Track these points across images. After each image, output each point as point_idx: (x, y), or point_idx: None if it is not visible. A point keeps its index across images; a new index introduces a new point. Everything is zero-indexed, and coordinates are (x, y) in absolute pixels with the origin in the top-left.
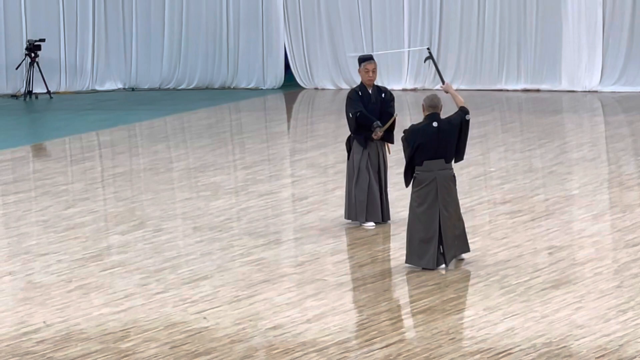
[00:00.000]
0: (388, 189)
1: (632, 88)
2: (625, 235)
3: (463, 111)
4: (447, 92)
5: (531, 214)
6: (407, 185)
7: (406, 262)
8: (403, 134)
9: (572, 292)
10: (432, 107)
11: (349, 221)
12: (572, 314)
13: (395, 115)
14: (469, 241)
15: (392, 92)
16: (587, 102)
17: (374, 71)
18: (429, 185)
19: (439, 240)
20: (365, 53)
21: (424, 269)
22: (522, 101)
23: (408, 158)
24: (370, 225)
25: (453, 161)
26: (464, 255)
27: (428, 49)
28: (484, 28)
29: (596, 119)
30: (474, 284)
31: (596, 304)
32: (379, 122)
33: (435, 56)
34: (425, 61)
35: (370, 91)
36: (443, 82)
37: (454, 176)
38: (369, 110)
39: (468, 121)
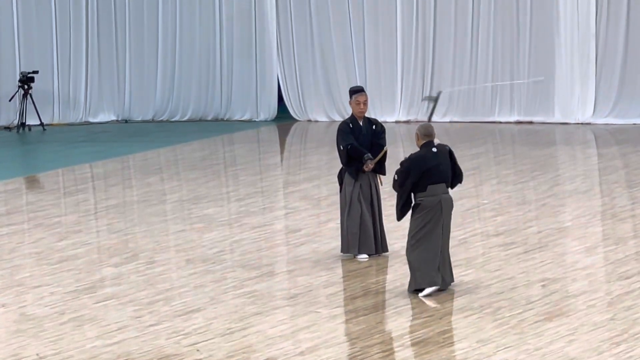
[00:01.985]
0: (383, 220)
1: (625, 120)
2: (618, 267)
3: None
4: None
5: (524, 246)
6: (399, 218)
7: (410, 289)
8: (400, 167)
9: (565, 324)
10: (427, 135)
11: (345, 254)
12: (565, 346)
13: (385, 148)
14: (463, 273)
15: (383, 124)
16: (580, 134)
17: (365, 103)
18: (434, 209)
19: (440, 262)
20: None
21: (425, 295)
22: (515, 133)
23: (408, 189)
24: (363, 257)
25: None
26: (463, 290)
27: (439, 93)
28: (477, 60)
29: (589, 151)
30: (468, 316)
31: (589, 336)
32: (369, 155)
33: (428, 89)
34: (432, 100)
35: (361, 123)
36: (429, 119)
37: (451, 200)
38: (360, 142)
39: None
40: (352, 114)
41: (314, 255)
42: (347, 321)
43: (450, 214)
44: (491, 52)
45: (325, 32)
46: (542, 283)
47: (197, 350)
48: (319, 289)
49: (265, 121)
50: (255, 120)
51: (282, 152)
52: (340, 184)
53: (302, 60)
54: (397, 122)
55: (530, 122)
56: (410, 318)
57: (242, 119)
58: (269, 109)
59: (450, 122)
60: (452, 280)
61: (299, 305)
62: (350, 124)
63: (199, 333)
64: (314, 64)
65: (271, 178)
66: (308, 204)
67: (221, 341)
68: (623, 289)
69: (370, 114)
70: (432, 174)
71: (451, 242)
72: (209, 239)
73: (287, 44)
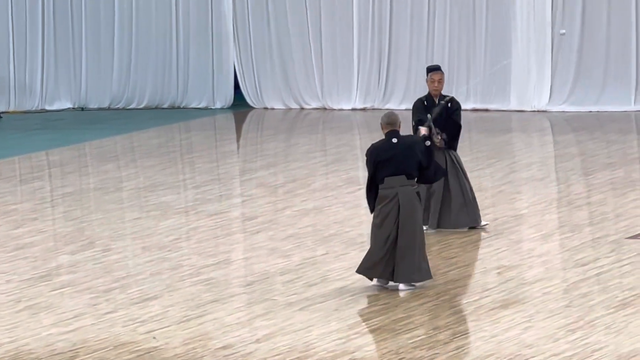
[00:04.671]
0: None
1: (580, 108)
2: (574, 254)
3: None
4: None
5: (480, 233)
6: (371, 210)
7: (357, 270)
8: (365, 156)
9: (521, 311)
10: (390, 124)
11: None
12: (521, 333)
13: (431, 116)
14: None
15: (459, 101)
16: (536, 121)
17: (440, 81)
18: (391, 202)
19: (393, 257)
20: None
21: (374, 282)
22: (472, 121)
23: (369, 178)
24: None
25: (416, 180)
26: (426, 283)
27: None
28: (433, 48)
29: (545, 138)
30: (424, 303)
31: (545, 323)
32: (430, 121)
33: (385, 76)
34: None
35: (436, 101)
36: (425, 121)
37: (418, 193)
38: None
39: (428, 147)
40: (428, 92)
41: (271, 242)
42: (303, 309)
43: (416, 207)
44: (447, 40)
45: (281, 19)
46: (498, 270)
47: (154, 337)
48: (275, 276)
49: (222, 109)
50: (211, 108)
51: (238, 140)
52: None
53: (258, 48)
54: (353, 109)
55: (487, 110)
56: (367, 305)
57: (199, 106)
58: (226, 97)
59: (406, 109)
60: (419, 279)
61: (256, 293)
62: (425, 102)
63: (155, 320)
64: (270, 51)
65: (228, 165)
66: (265, 191)
67: (177, 329)
68: (579, 276)
69: (326, 102)
70: (387, 165)
71: None
72: (166, 227)
73: (243, 32)
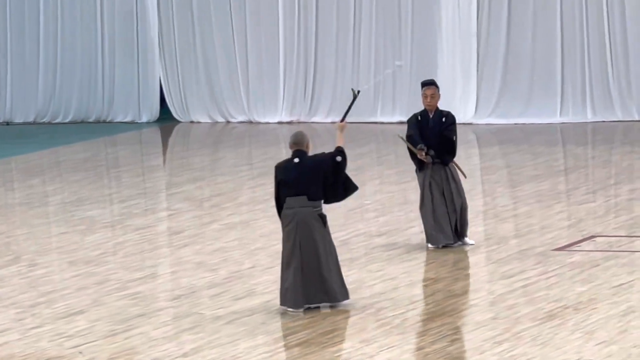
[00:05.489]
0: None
1: (506, 120)
2: (500, 267)
3: (337, 151)
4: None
5: (407, 246)
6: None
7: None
8: None
9: (448, 324)
10: (295, 143)
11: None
12: (448, 345)
13: (355, 93)
14: (345, 274)
15: (454, 116)
16: (462, 134)
17: (432, 96)
18: (290, 223)
19: (301, 281)
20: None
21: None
22: (398, 133)
23: (275, 197)
24: (430, 247)
25: (323, 201)
26: (344, 303)
27: (359, 91)
28: (360, 59)
29: (471, 150)
30: (350, 316)
31: (472, 335)
32: (423, 145)
33: (311, 89)
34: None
35: (431, 116)
36: (342, 120)
37: (320, 215)
38: (427, 135)
39: (339, 163)
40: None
41: (197, 256)
42: (230, 322)
43: (315, 229)
44: (374, 52)
45: (207, 33)
46: (425, 283)
47: (80, 352)
48: (202, 290)
49: (148, 122)
50: (137, 122)
51: (164, 154)
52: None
53: (184, 62)
54: (279, 122)
55: None
56: (293, 319)
57: (125, 120)
58: (152, 111)
59: (332, 122)
60: (340, 299)
61: (182, 307)
62: (419, 117)
63: (81, 335)
64: (196, 65)
65: (154, 179)
66: (191, 205)
67: (104, 343)
68: (505, 289)
69: (252, 115)
70: (289, 185)
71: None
72: (92, 241)
73: (169, 45)
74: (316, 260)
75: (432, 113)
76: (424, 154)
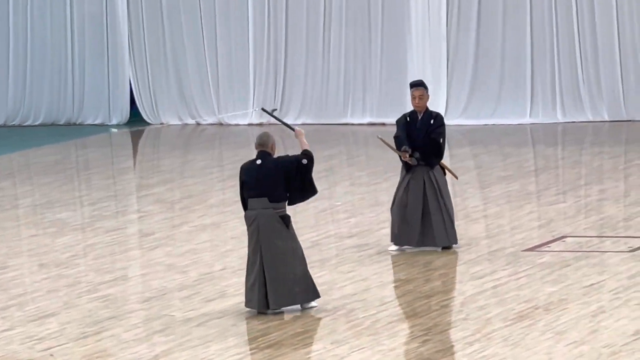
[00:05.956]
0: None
1: (476, 121)
2: (470, 267)
3: (303, 154)
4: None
5: (377, 247)
6: None
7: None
8: None
9: (419, 324)
10: (260, 144)
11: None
12: (420, 346)
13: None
14: (316, 275)
15: (442, 117)
16: None
17: (420, 97)
18: (252, 225)
19: (264, 284)
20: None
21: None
22: (368, 135)
23: (240, 198)
24: (392, 248)
25: (287, 203)
26: (313, 303)
27: (262, 109)
28: (329, 63)
29: None
30: (321, 317)
31: (443, 336)
32: (407, 147)
33: (281, 90)
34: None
35: (419, 116)
36: (293, 129)
37: (283, 217)
38: (414, 136)
39: (305, 165)
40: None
41: (168, 258)
42: (201, 324)
43: (277, 230)
44: (343, 56)
45: (177, 34)
46: (396, 284)
47: (51, 355)
48: (173, 292)
49: (118, 125)
50: (107, 124)
51: (134, 156)
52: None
53: (154, 64)
54: (249, 124)
55: (383, 124)
56: (265, 320)
57: (95, 122)
58: (122, 113)
59: (302, 124)
60: (311, 298)
61: (153, 309)
62: (408, 117)
63: (53, 338)
64: (166, 67)
65: (124, 182)
66: (161, 207)
67: (75, 345)
68: (475, 289)
69: (222, 117)
70: (251, 187)
71: (304, 244)
72: (62, 244)
73: (139, 48)
74: (279, 261)
75: (421, 114)
76: (407, 155)
